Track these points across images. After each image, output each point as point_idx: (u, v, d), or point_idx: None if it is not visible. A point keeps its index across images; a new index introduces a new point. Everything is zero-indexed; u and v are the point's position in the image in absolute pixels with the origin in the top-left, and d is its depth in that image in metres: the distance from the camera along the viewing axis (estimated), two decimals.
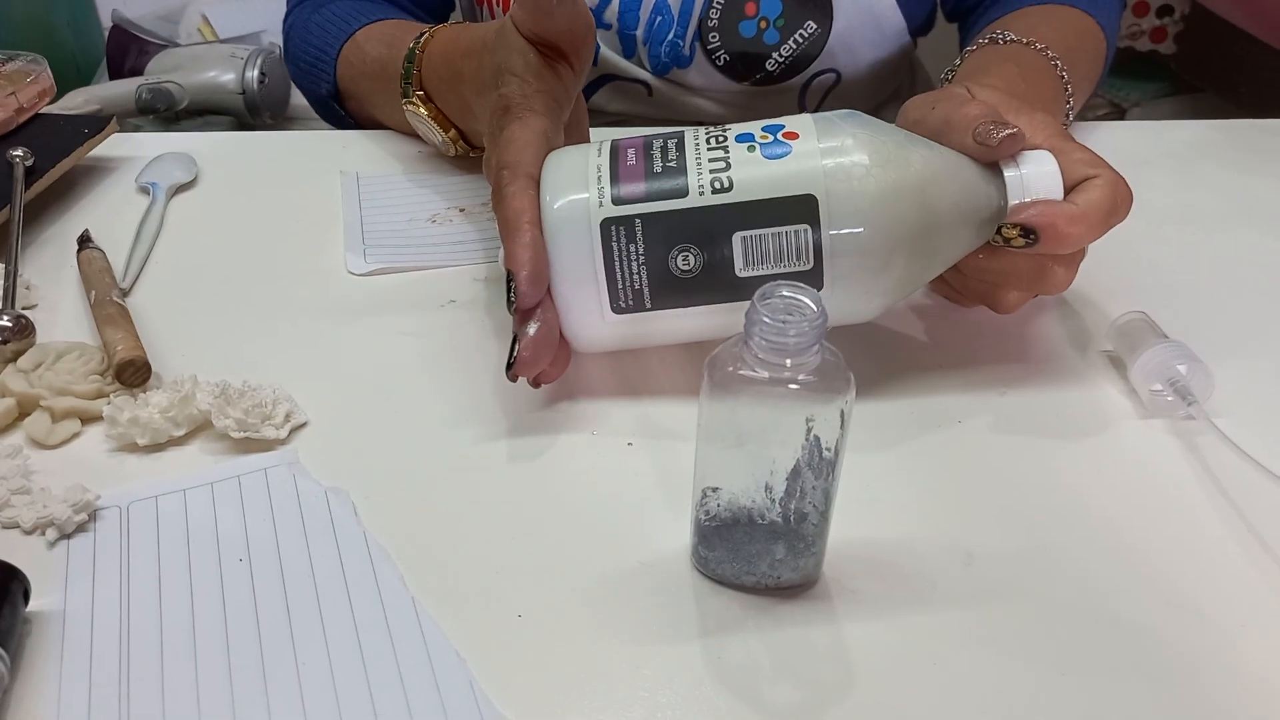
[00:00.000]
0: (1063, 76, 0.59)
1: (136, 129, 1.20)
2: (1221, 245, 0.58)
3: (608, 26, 0.72)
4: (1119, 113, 1.50)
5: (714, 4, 0.70)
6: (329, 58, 0.68)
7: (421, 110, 0.57)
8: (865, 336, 0.48)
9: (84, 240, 0.53)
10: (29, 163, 0.55)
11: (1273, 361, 0.48)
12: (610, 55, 0.73)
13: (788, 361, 0.31)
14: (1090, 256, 0.56)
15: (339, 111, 0.70)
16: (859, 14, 0.72)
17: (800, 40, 0.71)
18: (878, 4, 0.72)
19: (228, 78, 1.21)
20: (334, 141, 0.67)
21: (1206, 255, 0.57)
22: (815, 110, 0.74)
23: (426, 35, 0.57)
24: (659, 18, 0.71)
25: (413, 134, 0.65)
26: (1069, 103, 0.60)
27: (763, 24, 0.70)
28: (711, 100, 0.75)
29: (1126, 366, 0.46)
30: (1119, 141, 0.70)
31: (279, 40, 1.38)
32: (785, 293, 0.31)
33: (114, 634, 0.33)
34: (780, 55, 0.71)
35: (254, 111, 1.22)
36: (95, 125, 0.61)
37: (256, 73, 1.22)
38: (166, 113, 1.18)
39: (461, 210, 0.60)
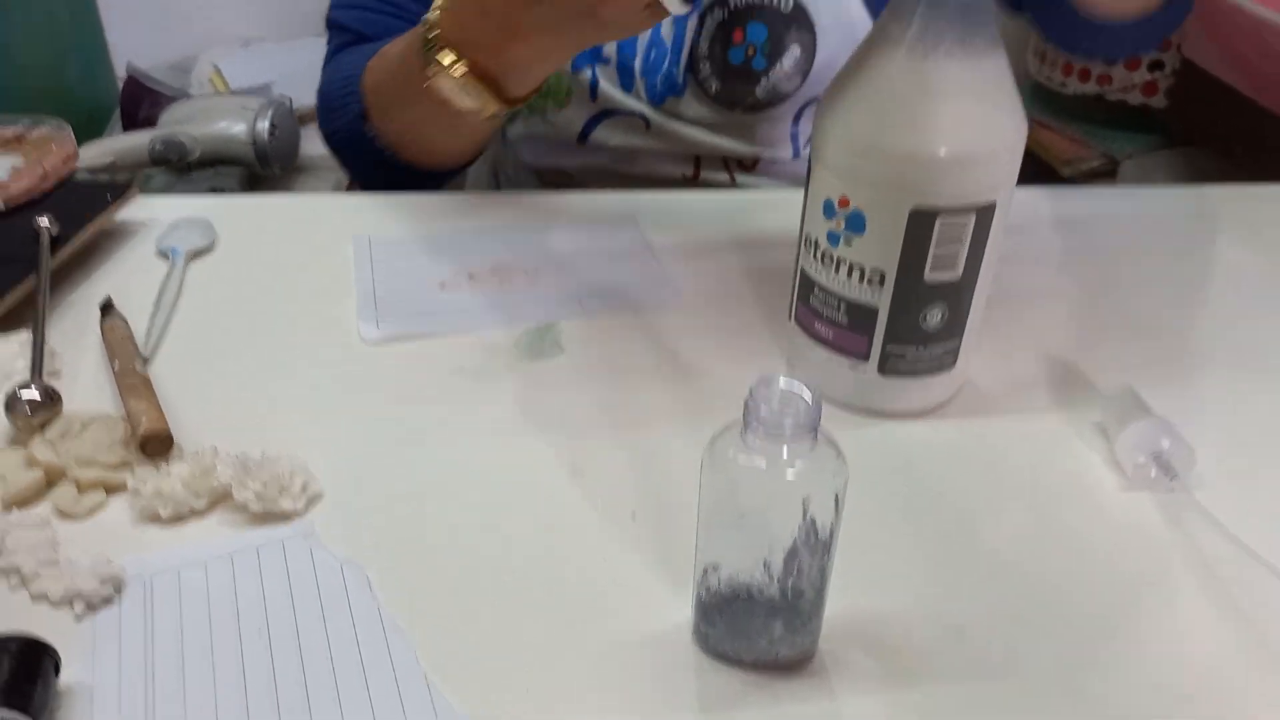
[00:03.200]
0: None
1: (149, 179, 1.23)
2: (1206, 315, 0.59)
3: (606, 61, 0.74)
4: (1112, 165, 1.53)
5: (704, 33, 0.73)
6: (355, 75, 0.69)
7: (451, 66, 0.57)
8: (857, 414, 0.50)
9: (106, 308, 0.55)
10: (54, 232, 0.57)
11: (1253, 434, 0.50)
12: (609, 89, 0.75)
13: (785, 449, 0.33)
14: (1082, 327, 0.58)
15: (367, 136, 0.68)
16: (842, 40, 0.74)
17: (786, 66, 0.73)
18: (860, 30, 0.74)
19: (238, 129, 1.23)
20: (348, 204, 0.69)
21: (1192, 325, 0.58)
22: (809, 138, 0.76)
23: None
24: (654, 50, 0.74)
25: (431, 168, 0.68)
26: None
27: (750, 51, 0.73)
28: (706, 129, 0.77)
29: (1113, 439, 0.48)
30: (1105, 208, 0.72)
31: (289, 91, 1.42)
32: (781, 385, 0.33)
33: (140, 707, 0.34)
34: (768, 81, 0.73)
35: (264, 162, 1.25)
36: (116, 190, 0.63)
37: (267, 124, 1.24)
38: (179, 164, 1.21)
39: (470, 276, 0.61)
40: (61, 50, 1.48)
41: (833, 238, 0.47)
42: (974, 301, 0.48)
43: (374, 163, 0.70)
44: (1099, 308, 0.60)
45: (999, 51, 0.44)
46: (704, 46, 0.73)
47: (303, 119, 1.32)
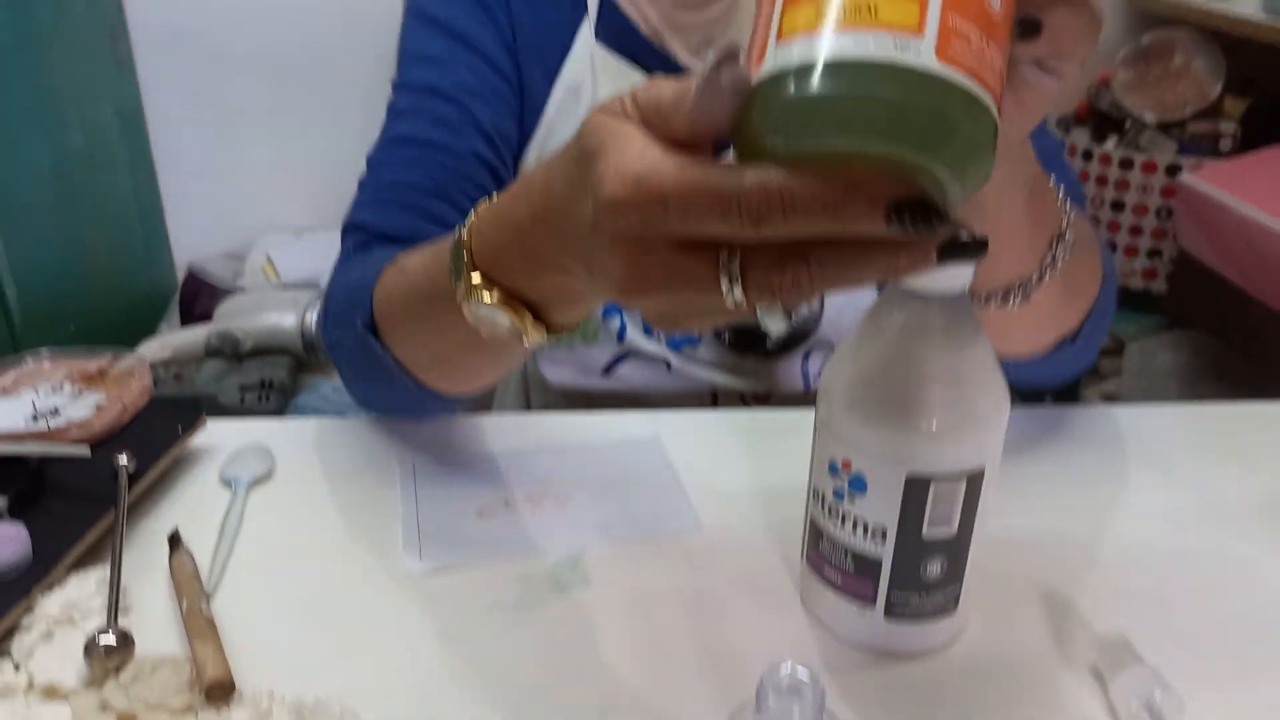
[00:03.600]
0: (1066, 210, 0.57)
1: (201, 367, 1.31)
2: (1197, 550, 0.62)
3: (633, 310, 0.81)
4: (1119, 345, 1.58)
5: None
6: (366, 285, 0.63)
7: (484, 295, 0.48)
8: (865, 653, 0.53)
9: (174, 541, 0.60)
10: (131, 469, 0.63)
11: (1238, 677, 0.52)
12: (634, 335, 0.82)
13: None
14: (1078, 562, 0.61)
15: (374, 351, 0.62)
16: (848, 297, 0.80)
17: (796, 322, 0.80)
18: (864, 290, 0.80)
19: (288, 321, 1.32)
20: (394, 429, 0.75)
21: (1183, 558, 0.62)
22: (817, 373, 0.82)
23: (471, 213, 0.50)
24: None
25: (463, 379, 0.64)
26: (1063, 230, 0.56)
27: None
28: (721, 371, 0.83)
29: (1107, 683, 0.51)
30: (1095, 429, 0.76)
31: None
32: (787, 673, 0.37)
33: None
34: (776, 340, 0.80)
35: (310, 351, 1.34)
36: (188, 420, 0.69)
37: (315, 316, 1.33)
38: (231, 354, 1.29)
39: (505, 502, 0.66)
40: (127, 240, 1.61)
41: (838, 494, 0.52)
42: (970, 552, 0.52)
43: (378, 380, 0.65)
44: (1095, 539, 0.63)
45: (981, 338, 0.49)
46: None
47: None
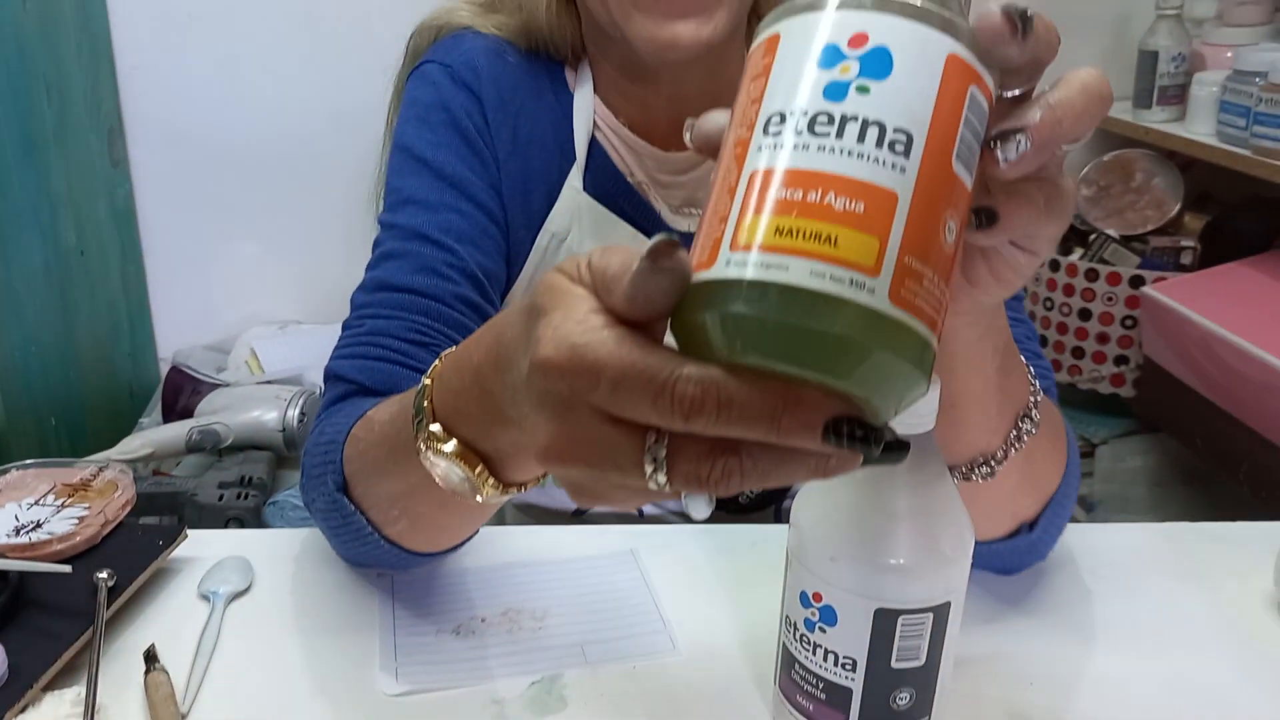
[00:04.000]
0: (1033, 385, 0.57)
1: (178, 465, 1.31)
2: (1160, 673, 0.63)
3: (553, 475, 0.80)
4: (1090, 447, 1.62)
5: None
6: (338, 443, 0.62)
7: (442, 445, 0.48)
8: None
9: (150, 657, 0.60)
10: (110, 584, 0.63)
11: None
12: None
13: None
14: (1044, 684, 0.62)
15: (347, 510, 0.62)
16: None
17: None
18: None
19: (270, 417, 1.33)
20: None
21: (1146, 685, 0.62)
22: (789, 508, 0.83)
23: (435, 363, 0.51)
24: None
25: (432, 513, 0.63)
26: (1032, 395, 0.57)
27: None
28: (694, 523, 0.84)
29: None
30: (1061, 549, 0.77)
31: (319, 375, 1.54)
32: None
33: None
34: (751, 491, 0.80)
35: (290, 446, 1.34)
36: (168, 536, 0.70)
37: (297, 412, 1.34)
38: (211, 451, 1.29)
39: (483, 620, 0.67)
40: (113, 335, 1.62)
41: (809, 624, 0.53)
42: (939, 682, 0.53)
43: (352, 540, 0.64)
44: (1061, 662, 0.65)
45: (946, 475, 0.51)
46: None
47: None
